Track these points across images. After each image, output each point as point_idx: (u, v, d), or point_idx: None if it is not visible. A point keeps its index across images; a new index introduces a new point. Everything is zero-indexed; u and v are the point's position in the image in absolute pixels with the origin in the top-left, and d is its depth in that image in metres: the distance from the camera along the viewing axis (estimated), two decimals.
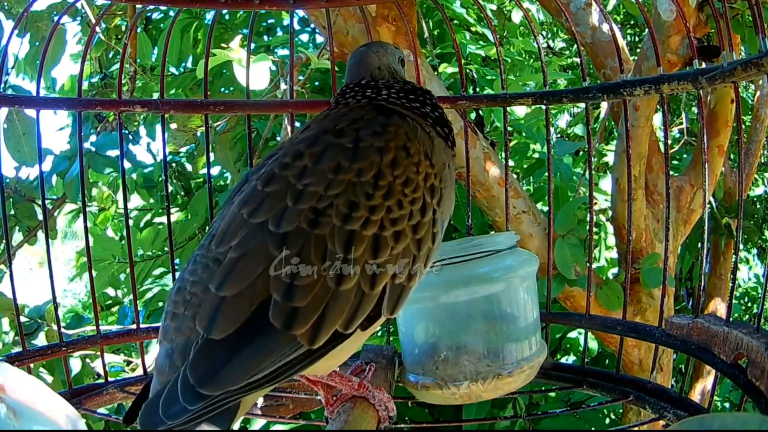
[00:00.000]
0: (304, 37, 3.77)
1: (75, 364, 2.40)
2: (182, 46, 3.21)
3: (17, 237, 2.66)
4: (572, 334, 3.29)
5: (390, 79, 1.01)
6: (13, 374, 0.90)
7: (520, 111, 2.90)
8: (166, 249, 3.11)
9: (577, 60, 3.12)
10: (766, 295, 1.05)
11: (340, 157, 0.84)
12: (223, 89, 3.24)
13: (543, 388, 2.03)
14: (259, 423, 2.86)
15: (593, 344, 3.18)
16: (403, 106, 0.96)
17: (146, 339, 1.42)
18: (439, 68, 3.20)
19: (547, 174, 2.93)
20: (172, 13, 3.27)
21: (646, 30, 3.23)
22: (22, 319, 2.07)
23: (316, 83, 3.33)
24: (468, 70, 3.16)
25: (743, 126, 2.98)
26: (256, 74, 2.05)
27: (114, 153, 2.73)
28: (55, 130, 3.36)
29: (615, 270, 3.05)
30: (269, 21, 3.61)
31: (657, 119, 3.04)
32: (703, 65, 1.32)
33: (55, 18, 2.67)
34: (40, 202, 2.30)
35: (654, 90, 1.20)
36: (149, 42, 3.15)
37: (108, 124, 2.98)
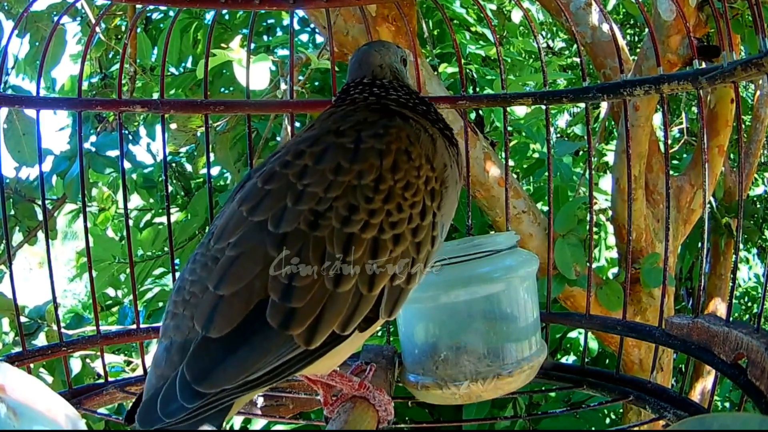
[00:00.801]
0: (304, 37, 3.77)
1: (75, 364, 2.40)
2: (182, 46, 3.21)
3: (17, 237, 2.66)
4: (572, 334, 3.29)
5: (392, 79, 1.01)
6: (13, 374, 0.90)
7: (520, 111, 2.90)
8: (166, 249, 3.11)
9: (577, 60, 3.12)
10: (766, 295, 1.05)
11: (341, 158, 0.84)
12: (223, 89, 3.24)
13: (543, 388, 2.03)
14: (259, 423, 2.86)
15: (593, 344, 3.18)
16: (408, 107, 0.96)
17: (146, 339, 1.42)
18: (439, 68, 3.20)
19: (547, 174, 2.93)
20: (172, 13, 3.27)
21: (646, 30, 3.23)
22: (22, 319, 2.07)
23: (316, 83, 3.33)
24: (468, 70, 3.16)
25: (743, 126, 2.98)
26: (256, 74, 2.05)
27: (114, 153, 2.73)
28: (55, 130, 3.36)
29: (615, 270, 3.05)
30: (269, 21, 3.61)
31: (657, 119, 3.04)
32: (703, 65, 1.32)
33: (55, 18, 2.67)
34: (40, 202, 2.30)
35: (654, 90, 1.20)
36: (149, 42, 3.15)
37: (108, 124, 2.98)
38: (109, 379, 1.37)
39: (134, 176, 3.22)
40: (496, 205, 2.42)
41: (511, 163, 3.04)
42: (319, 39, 3.51)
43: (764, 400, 0.92)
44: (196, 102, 1.38)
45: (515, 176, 3.28)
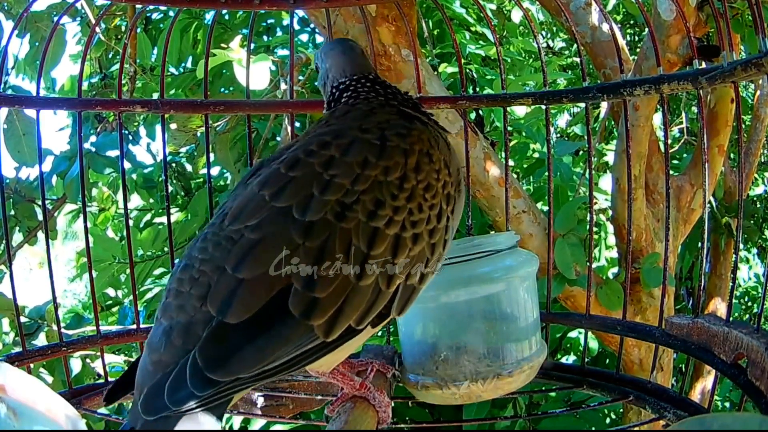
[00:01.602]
0: (304, 37, 3.77)
1: (75, 364, 2.40)
2: (182, 46, 3.21)
3: (17, 237, 2.67)
4: (572, 334, 3.29)
5: (375, 76, 1.02)
6: (13, 374, 0.90)
7: (520, 111, 2.90)
8: (166, 249, 3.11)
9: (577, 60, 3.12)
10: (766, 294, 1.05)
11: (367, 153, 0.84)
12: (223, 89, 3.24)
13: (543, 388, 2.03)
14: (259, 423, 2.86)
15: (593, 344, 3.18)
16: (422, 113, 0.98)
17: (146, 339, 1.42)
18: (439, 68, 3.20)
19: (547, 174, 2.93)
20: (171, 13, 3.27)
21: (646, 30, 3.23)
22: (23, 319, 2.07)
23: (316, 83, 3.33)
24: (468, 70, 3.16)
25: (743, 126, 2.98)
26: (256, 74, 2.05)
27: (114, 153, 2.73)
28: (55, 130, 3.36)
29: (615, 270, 3.05)
30: (269, 21, 3.61)
31: (657, 119, 3.04)
32: (703, 65, 1.32)
33: (55, 18, 2.67)
34: (40, 203, 2.30)
35: (654, 90, 1.20)
36: (149, 42, 3.15)
37: (108, 124, 2.98)
38: (109, 379, 1.36)
39: (134, 176, 3.22)
40: (496, 205, 2.42)
41: (511, 163, 3.04)
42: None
43: (764, 400, 0.92)
44: (196, 102, 1.38)
45: (515, 176, 3.28)
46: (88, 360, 2.42)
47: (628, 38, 4.68)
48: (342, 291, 0.79)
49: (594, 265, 2.35)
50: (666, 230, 1.26)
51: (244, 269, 0.77)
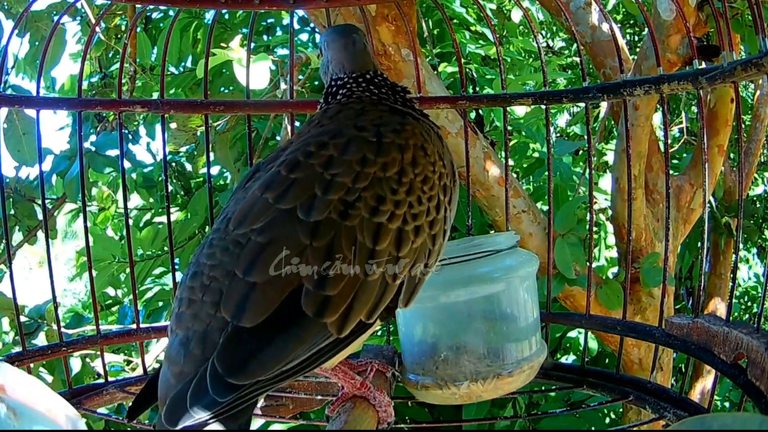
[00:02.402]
0: (304, 37, 3.77)
1: (75, 364, 2.39)
2: (182, 46, 3.21)
3: (17, 237, 2.67)
4: (572, 334, 3.29)
5: (374, 71, 1.02)
6: (13, 374, 0.90)
7: (519, 110, 2.90)
8: (166, 249, 3.11)
9: (577, 59, 3.12)
10: (766, 294, 1.05)
11: (365, 150, 0.86)
12: (223, 89, 3.24)
13: (543, 388, 2.03)
14: (258, 423, 2.86)
15: (593, 344, 3.18)
16: (409, 107, 1.00)
17: (146, 339, 1.42)
18: (438, 68, 3.19)
19: (547, 173, 2.93)
20: (171, 13, 3.27)
21: (646, 29, 3.23)
22: (22, 318, 2.07)
23: (316, 83, 3.33)
24: (468, 70, 3.16)
25: (743, 125, 2.98)
26: (256, 74, 2.05)
27: (114, 153, 2.73)
28: (55, 130, 3.36)
29: (615, 269, 3.05)
30: (269, 21, 3.61)
31: (657, 118, 3.04)
32: (703, 65, 1.32)
33: (55, 18, 2.67)
34: (40, 202, 2.31)
35: (654, 90, 1.20)
36: (149, 42, 3.15)
37: (108, 124, 2.99)
38: (109, 378, 1.36)
39: (134, 176, 3.22)
40: (496, 204, 2.42)
41: (510, 162, 3.04)
42: (319, 39, 3.51)
43: (764, 400, 0.92)
44: (196, 102, 1.38)
45: (515, 176, 3.28)
46: (88, 360, 2.41)
47: (628, 38, 4.67)
48: (351, 287, 0.80)
49: (594, 265, 2.35)
50: (666, 230, 1.26)
51: (255, 273, 0.78)
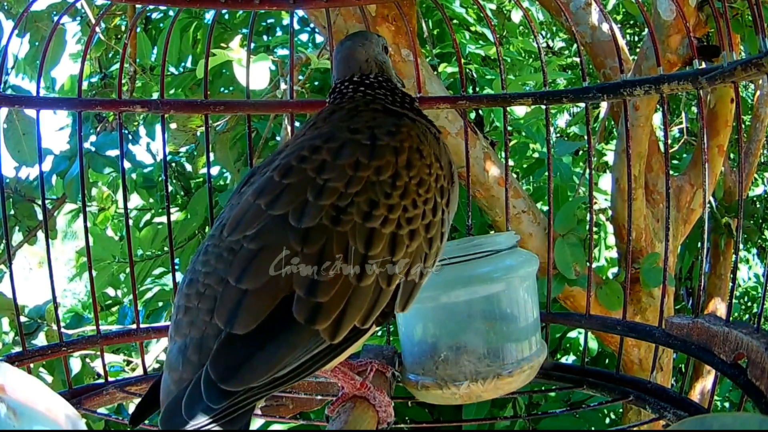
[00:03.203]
0: (304, 37, 3.77)
1: (75, 364, 2.40)
2: (182, 46, 3.21)
3: (17, 237, 2.67)
4: (572, 334, 3.29)
5: (378, 73, 1.02)
6: (13, 374, 0.90)
7: (519, 111, 2.90)
8: (165, 249, 3.11)
9: (577, 60, 3.12)
10: (766, 294, 1.05)
11: (359, 154, 0.85)
12: (223, 89, 3.24)
13: (543, 388, 2.03)
14: (258, 423, 2.86)
15: (593, 344, 3.18)
16: (407, 108, 0.98)
17: (146, 339, 1.42)
18: (438, 68, 3.20)
19: (547, 174, 2.93)
20: (171, 13, 3.27)
21: (646, 30, 3.23)
22: (22, 319, 2.07)
23: (316, 83, 3.33)
24: (468, 70, 3.16)
25: (743, 126, 2.98)
26: (256, 74, 2.05)
27: (114, 153, 2.73)
28: (55, 130, 3.36)
29: (615, 270, 3.05)
30: (269, 21, 3.61)
31: (657, 119, 3.04)
32: (703, 65, 1.32)
33: (55, 18, 2.67)
34: (40, 202, 2.30)
35: (654, 90, 1.20)
36: (149, 42, 3.15)
37: (108, 124, 2.99)
38: (109, 379, 1.36)
39: (134, 176, 3.22)
40: (496, 204, 2.42)
41: (510, 162, 3.04)
42: (319, 39, 3.51)
43: (764, 400, 0.92)
44: (196, 102, 1.38)
45: (515, 176, 3.28)
46: (87, 360, 2.41)
47: (628, 38, 4.67)
48: (344, 293, 0.79)
49: (594, 265, 2.35)
50: (666, 230, 1.26)
51: (246, 280, 0.78)
